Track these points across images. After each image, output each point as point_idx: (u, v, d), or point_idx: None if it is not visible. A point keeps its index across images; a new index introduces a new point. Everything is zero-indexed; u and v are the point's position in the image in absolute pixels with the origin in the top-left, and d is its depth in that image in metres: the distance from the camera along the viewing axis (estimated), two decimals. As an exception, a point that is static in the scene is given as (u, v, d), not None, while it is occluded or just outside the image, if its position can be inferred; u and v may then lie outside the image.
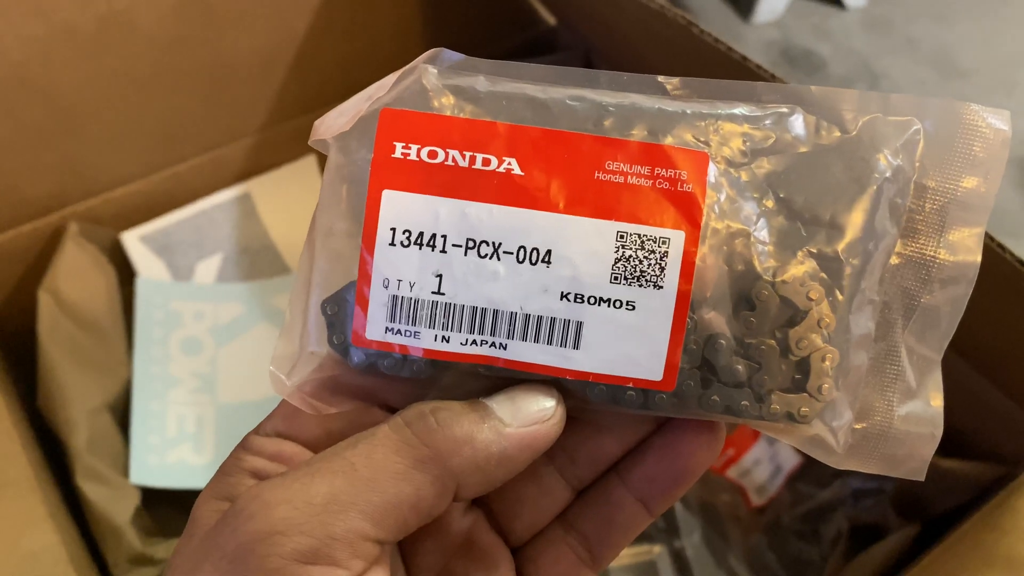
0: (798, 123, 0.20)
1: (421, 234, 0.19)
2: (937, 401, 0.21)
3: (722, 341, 0.19)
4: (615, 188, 0.19)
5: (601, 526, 0.22)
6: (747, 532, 0.48)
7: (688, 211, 0.19)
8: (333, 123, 0.20)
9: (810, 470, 0.50)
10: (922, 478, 0.20)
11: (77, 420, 0.46)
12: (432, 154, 0.19)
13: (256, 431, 0.20)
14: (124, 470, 0.47)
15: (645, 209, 0.19)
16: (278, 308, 0.57)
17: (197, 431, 0.50)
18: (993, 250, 0.33)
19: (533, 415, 0.18)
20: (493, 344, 0.19)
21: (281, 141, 0.59)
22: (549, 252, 0.19)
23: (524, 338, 0.19)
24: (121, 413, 0.50)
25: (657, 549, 0.48)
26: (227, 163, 0.58)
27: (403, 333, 0.19)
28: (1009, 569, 0.33)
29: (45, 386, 0.47)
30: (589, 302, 0.19)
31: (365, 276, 0.19)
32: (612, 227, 0.19)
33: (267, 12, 0.53)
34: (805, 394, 0.20)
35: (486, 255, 0.19)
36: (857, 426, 0.21)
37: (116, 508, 0.44)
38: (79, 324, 0.50)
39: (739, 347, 0.19)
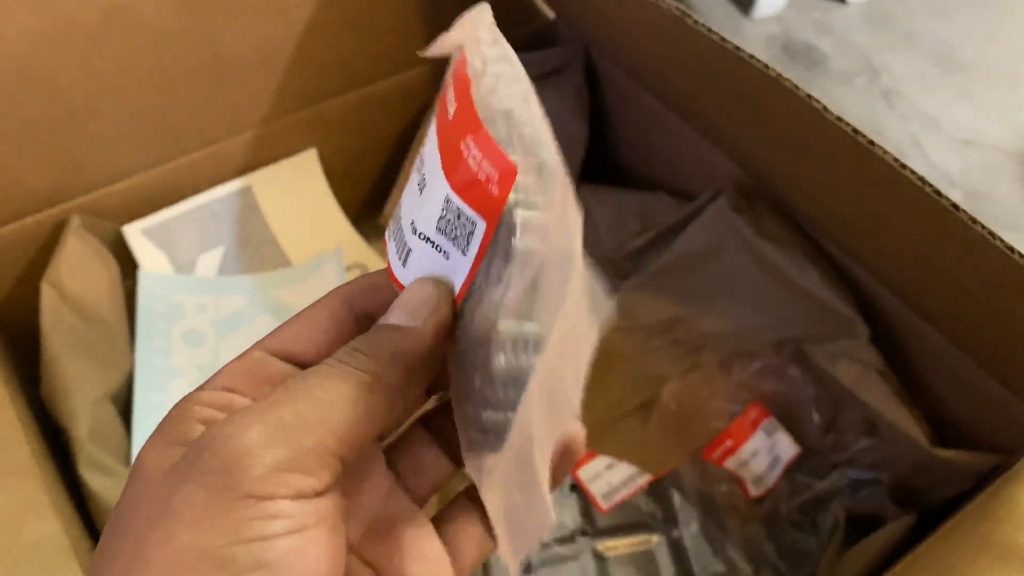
0: None
1: None
2: None
3: None
4: (465, 163, 0.21)
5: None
6: (745, 522, 0.49)
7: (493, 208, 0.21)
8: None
9: (808, 461, 0.50)
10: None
11: (80, 410, 0.46)
12: None
13: (199, 389, 0.21)
14: (126, 460, 0.48)
15: (470, 192, 0.21)
16: (280, 301, 0.57)
17: (199, 422, 0.51)
18: (991, 243, 0.34)
19: (424, 306, 0.21)
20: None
21: (282, 134, 0.59)
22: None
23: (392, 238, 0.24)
24: (123, 404, 0.50)
25: (655, 539, 0.48)
26: (228, 157, 0.58)
27: None
28: (1003, 557, 0.33)
29: (48, 377, 0.47)
30: (419, 236, 0.22)
31: None
32: (446, 191, 0.21)
33: (268, 6, 0.53)
34: None
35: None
36: None
37: (118, 497, 0.44)
38: (81, 316, 0.50)
39: None
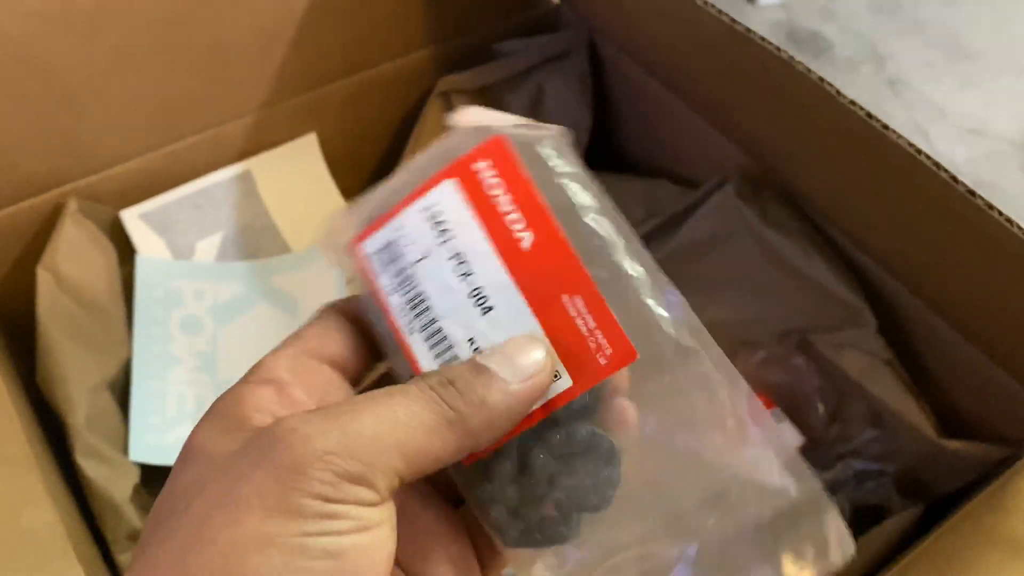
0: None
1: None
2: None
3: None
4: (569, 320, 0.21)
5: None
6: (748, 513, 0.48)
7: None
8: None
9: (812, 452, 0.49)
10: None
11: (76, 398, 0.45)
12: None
13: (250, 382, 0.22)
14: (123, 448, 0.47)
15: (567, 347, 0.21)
16: (278, 287, 0.56)
17: (196, 410, 0.50)
18: (1008, 230, 0.33)
19: (529, 369, 0.21)
20: None
21: (281, 119, 0.58)
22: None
23: None
24: (121, 391, 0.50)
25: (658, 530, 0.47)
26: (227, 141, 0.57)
27: None
28: (1011, 550, 0.33)
29: (44, 364, 0.47)
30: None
31: None
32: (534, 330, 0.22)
33: (267, -12, 0.52)
34: None
35: None
36: None
37: (115, 485, 0.43)
38: (78, 302, 0.50)
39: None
